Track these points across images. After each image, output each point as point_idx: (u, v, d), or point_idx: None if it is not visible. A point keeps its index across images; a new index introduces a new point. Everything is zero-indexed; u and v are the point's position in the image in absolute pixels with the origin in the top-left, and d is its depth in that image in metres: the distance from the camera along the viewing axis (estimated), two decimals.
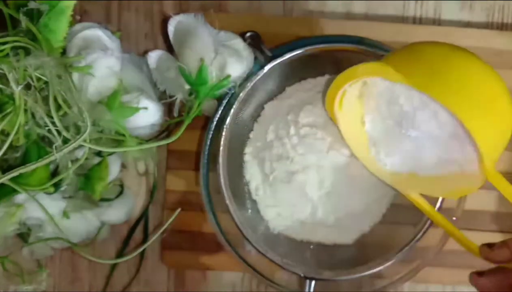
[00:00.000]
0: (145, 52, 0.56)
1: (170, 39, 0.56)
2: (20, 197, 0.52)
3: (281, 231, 0.57)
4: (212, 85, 0.53)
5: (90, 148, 0.51)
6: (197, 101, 0.53)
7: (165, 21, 0.57)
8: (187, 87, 0.54)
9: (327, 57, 0.56)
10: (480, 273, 0.42)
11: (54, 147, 0.49)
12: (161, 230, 0.57)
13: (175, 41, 0.56)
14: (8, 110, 0.49)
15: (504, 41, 0.57)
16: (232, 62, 0.54)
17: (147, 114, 0.54)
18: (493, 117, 0.45)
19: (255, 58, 0.55)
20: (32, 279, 0.55)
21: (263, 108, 0.58)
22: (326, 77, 0.57)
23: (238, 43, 0.55)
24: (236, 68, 0.54)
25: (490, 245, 0.43)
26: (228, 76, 0.54)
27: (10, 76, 0.48)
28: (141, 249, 0.57)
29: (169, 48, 0.57)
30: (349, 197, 0.55)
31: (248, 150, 0.57)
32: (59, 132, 0.49)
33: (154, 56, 0.56)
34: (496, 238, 0.48)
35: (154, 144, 0.54)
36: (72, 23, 0.53)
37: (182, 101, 0.55)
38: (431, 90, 0.45)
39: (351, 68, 0.49)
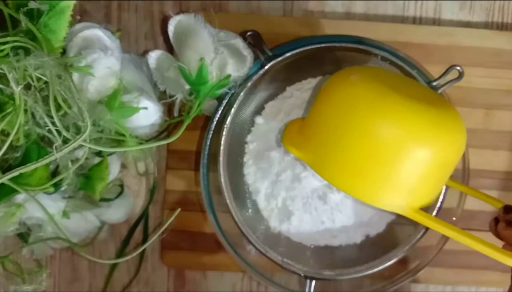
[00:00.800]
0: (145, 52, 0.56)
1: (170, 39, 0.56)
2: (20, 197, 0.52)
3: (282, 231, 0.57)
4: (212, 85, 0.53)
5: (90, 148, 0.51)
6: (197, 101, 0.53)
7: (165, 21, 0.57)
8: (187, 87, 0.54)
9: (327, 57, 0.56)
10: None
11: (54, 147, 0.49)
12: (161, 230, 0.57)
13: (175, 41, 0.56)
14: (8, 110, 0.49)
15: (504, 41, 0.57)
16: (232, 62, 0.54)
17: (147, 114, 0.54)
18: (397, 181, 0.45)
19: (256, 58, 0.55)
20: (32, 279, 0.55)
21: (263, 107, 0.58)
22: (327, 76, 0.57)
23: (238, 43, 0.55)
24: (236, 68, 0.54)
25: (508, 210, 0.47)
26: (228, 76, 0.54)
27: (10, 76, 0.48)
28: (141, 249, 0.57)
29: (169, 48, 0.57)
30: (356, 205, 0.55)
31: (248, 149, 0.57)
32: (59, 132, 0.49)
33: (154, 56, 0.56)
34: (496, 237, 0.49)
35: (154, 144, 0.54)
36: (72, 23, 0.53)
37: (182, 101, 0.55)
38: (319, 169, 0.47)
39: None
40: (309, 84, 0.57)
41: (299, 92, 0.57)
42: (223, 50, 0.54)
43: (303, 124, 0.51)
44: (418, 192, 0.47)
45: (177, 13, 0.56)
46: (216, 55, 0.53)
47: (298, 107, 0.56)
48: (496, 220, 0.47)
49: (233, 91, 0.55)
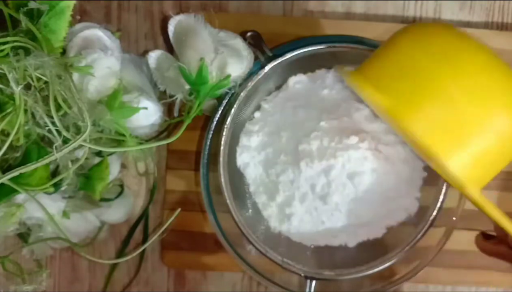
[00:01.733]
0: (145, 52, 0.56)
1: (170, 39, 0.56)
2: (20, 197, 0.52)
3: (282, 231, 0.57)
4: (212, 85, 0.53)
5: (90, 148, 0.51)
6: (197, 101, 0.53)
7: (165, 21, 0.57)
8: (187, 87, 0.54)
9: (327, 57, 0.56)
10: (487, 237, 0.45)
11: (54, 147, 0.49)
12: (161, 230, 0.57)
13: (175, 41, 0.56)
14: (8, 110, 0.49)
15: (504, 41, 0.57)
16: (232, 62, 0.54)
17: (147, 114, 0.54)
18: (479, 147, 0.43)
19: (256, 58, 0.55)
20: (32, 279, 0.55)
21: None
22: None
23: (238, 43, 0.55)
24: (236, 68, 0.54)
25: (487, 237, 0.45)
26: (228, 76, 0.54)
27: (10, 76, 0.48)
28: (141, 249, 0.57)
29: (169, 48, 0.57)
30: (356, 206, 0.54)
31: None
32: (59, 132, 0.49)
33: (154, 56, 0.56)
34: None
35: (154, 144, 0.54)
36: (72, 23, 0.53)
37: (182, 101, 0.55)
38: (402, 116, 0.44)
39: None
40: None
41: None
42: (223, 50, 0.54)
43: (385, 60, 0.47)
44: (488, 169, 0.45)
45: (177, 13, 0.56)
46: (216, 55, 0.53)
47: (299, 107, 0.56)
48: (485, 236, 0.46)
49: (233, 91, 0.55)
